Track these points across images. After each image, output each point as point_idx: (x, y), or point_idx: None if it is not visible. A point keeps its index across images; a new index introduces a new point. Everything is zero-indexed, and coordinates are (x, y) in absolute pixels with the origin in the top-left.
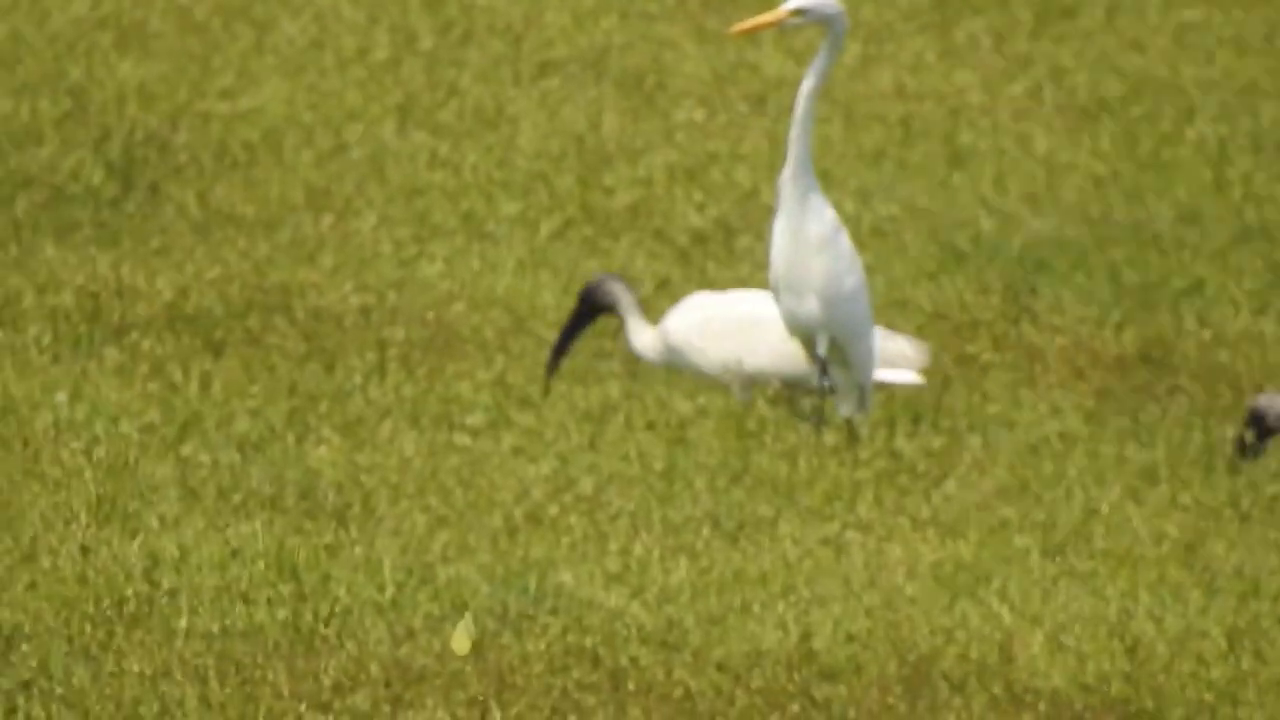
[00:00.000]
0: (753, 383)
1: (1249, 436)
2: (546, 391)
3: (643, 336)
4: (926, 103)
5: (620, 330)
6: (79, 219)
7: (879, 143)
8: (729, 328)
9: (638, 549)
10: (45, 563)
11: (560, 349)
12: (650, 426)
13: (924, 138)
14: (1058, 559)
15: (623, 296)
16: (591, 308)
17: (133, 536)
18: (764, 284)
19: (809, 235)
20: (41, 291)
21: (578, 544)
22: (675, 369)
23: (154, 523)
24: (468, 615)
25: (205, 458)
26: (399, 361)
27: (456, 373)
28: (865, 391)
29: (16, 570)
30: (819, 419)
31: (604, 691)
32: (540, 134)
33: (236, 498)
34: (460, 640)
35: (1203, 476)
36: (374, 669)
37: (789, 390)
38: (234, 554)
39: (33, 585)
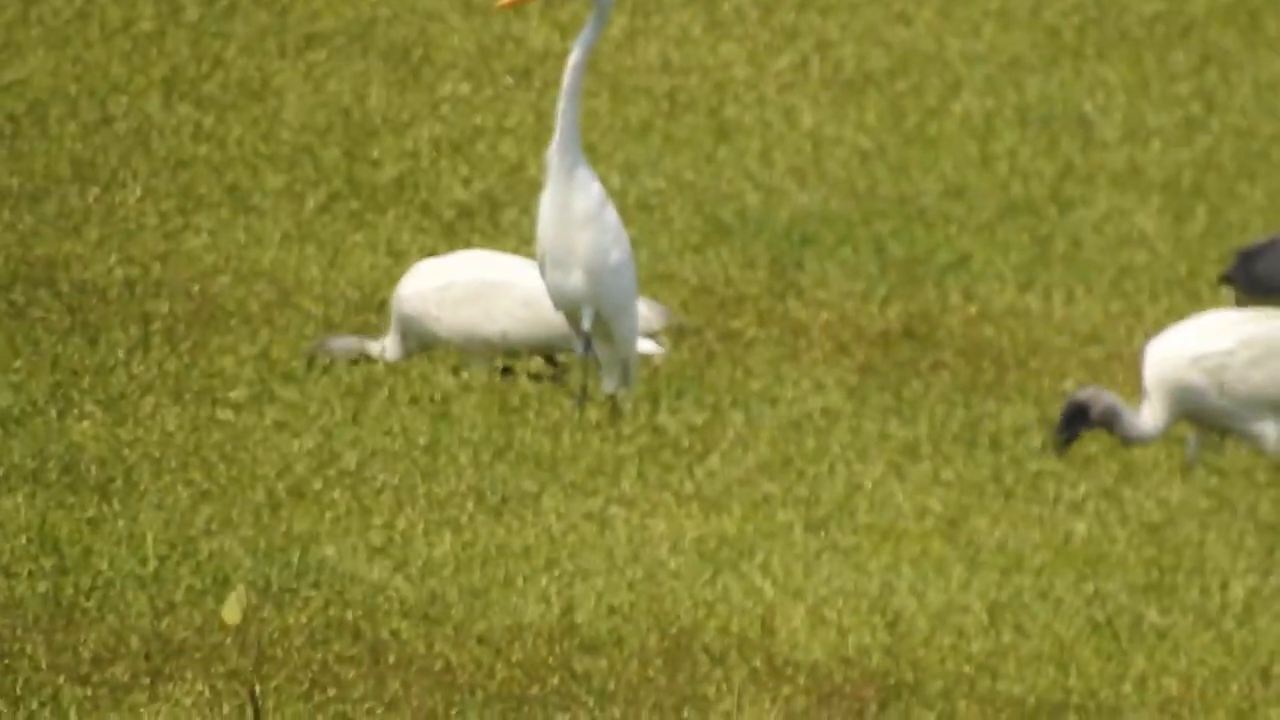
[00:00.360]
0: (493, 349)
1: (1062, 428)
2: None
3: (389, 347)
4: (692, 76)
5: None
6: None
7: (645, 116)
8: (467, 293)
9: (401, 523)
10: None
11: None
12: (414, 401)
13: (690, 111)
14: (820, 534)
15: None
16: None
17: None
18: (531, 257)
19: (575, 209)
20: None
21: (341, 518)
22: (419, 348)
23: None
24: (240, 586)
25: None
26: (163, 335)
27: (220, 346)
28: (629, 366)
29: None
30: (583, 394)
31: (364, 664)
32: (306, 107)
33: None
34: (231, 610)
35: (965, 452)
36: (134, 641)
37: (536, 357)
38: None
39: None
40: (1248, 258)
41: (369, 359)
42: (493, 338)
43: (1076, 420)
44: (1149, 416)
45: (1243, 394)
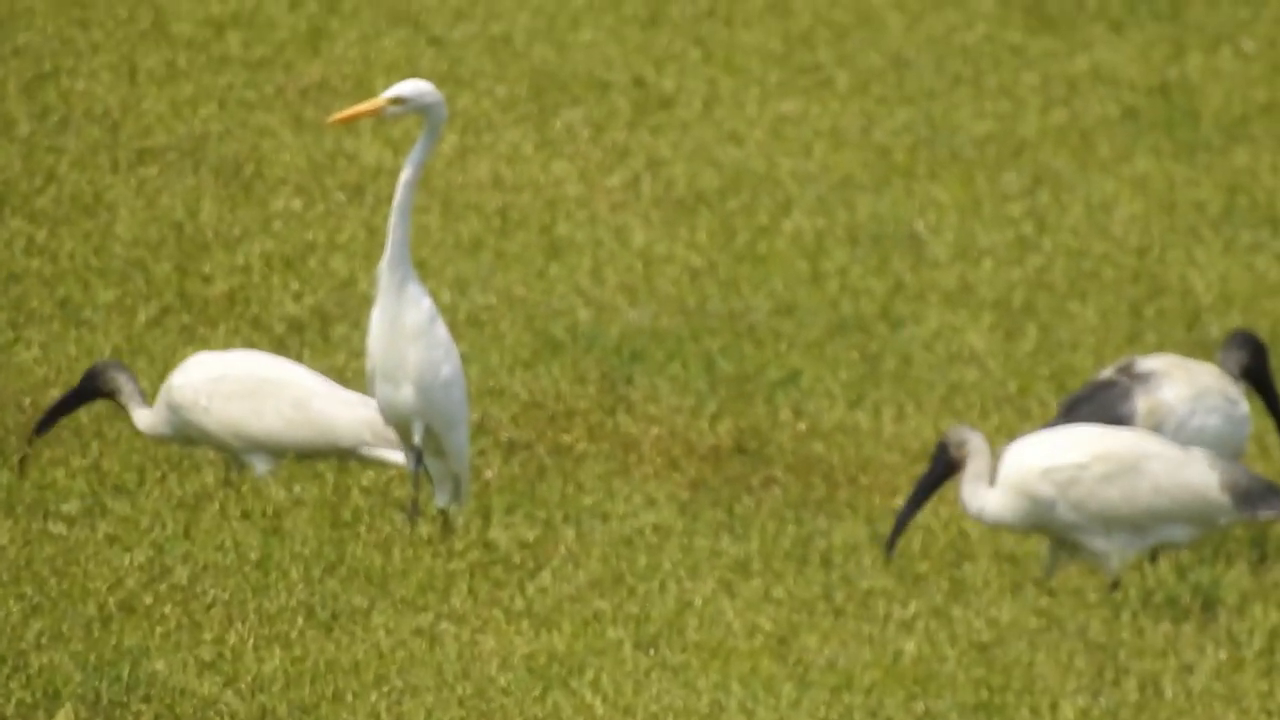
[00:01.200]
0: (261, 449)
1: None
2: (23, 462)
3: (146, 417)
4: (524, 193)
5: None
6: None
7: (476, 233)
8: (239, 389)
9: (231, 638)
10: None
11: (49, 421)
12: (246, 515)
13: (521, 228)
14: (650, 651)
15: (124, 385)
16: (92, 391)
17: None
18: (361, 372)
19: (405, 324)
20: None
21: (171, 632)
22: (181, 437)
23: None
24: (68, 704)
25: None
26: None
27: (52, 459)
28: (462, 481)
29: None
30: (414, 509)
31: None
32: (138, 221)
33: None
34: None
35: (796, 569)
36: None
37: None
38: None
39: None
40: (1070, 406)
41: (122, 407)
42: (259, 436)
43: (938, 455)
44: (992, 500)
45: (1092, 509)
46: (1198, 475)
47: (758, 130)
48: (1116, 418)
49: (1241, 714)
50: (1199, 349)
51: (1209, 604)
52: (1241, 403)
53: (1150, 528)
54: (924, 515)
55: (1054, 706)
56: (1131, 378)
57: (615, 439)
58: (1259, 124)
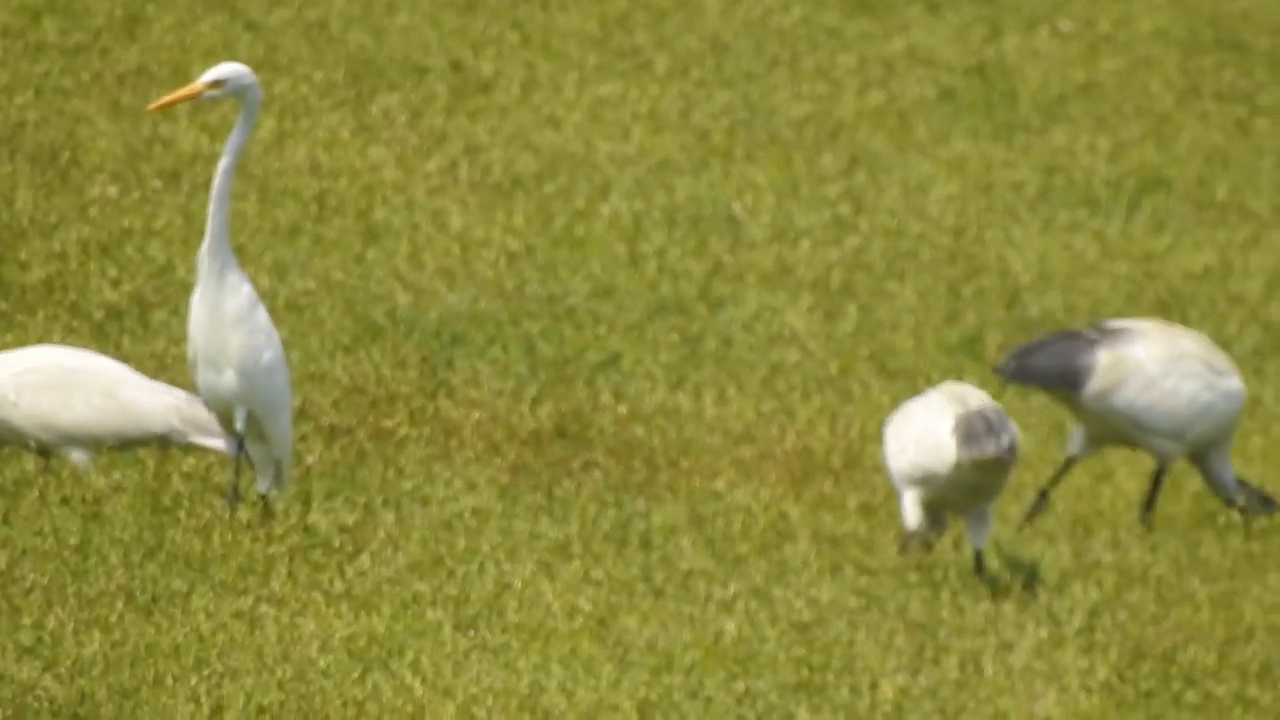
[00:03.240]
0: (73, 441)
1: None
2: None
3: None
4: (341, 179)
5: None
6: None
7: (294, 218)
8: (46, 380)
9: (50, 622)
10: None
11: None
12: (65, 501)
13: (339, 213)
14: (470, 633)
15: None
16: None
17: None
18: (181, 358)
19: (226, 310)
20: None
21: None
22: None
23: None
24: None
25: None
26: None
27: None
28: (283, 466)
29: None
30: (235, 494)
31: None
32: None
33: None
34: None
35: (616, 551)
36: None
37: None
38: None
39: None
40: (1025, 353)
41: None
42: (70, 427)
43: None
44: None
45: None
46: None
47: (575, 114)
48: (1073, 368)
49: (1061, 691)
50: (1017, 329)
51: (1029, 582)
52: (1230, 376)
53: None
54: (744, 497)
55: (874, 685)
56: (1101, 332)
57: (436, 423)
58: (1076, 104)
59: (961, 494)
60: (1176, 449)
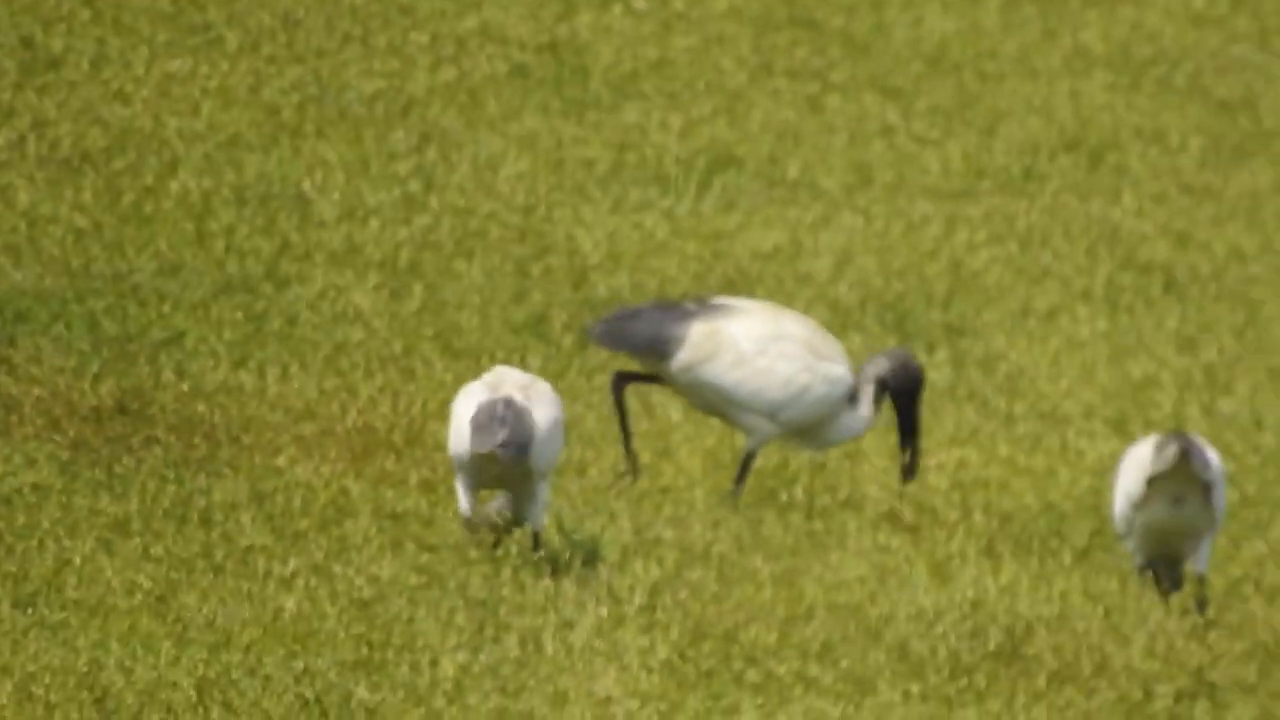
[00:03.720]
0: None
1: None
2: None
3: None
4: None
5: None
6: None
7: None
8: None
9: None
10: None
11: None
12: None
13: None
14: (28, 610)
15: None
16: None
17: None
18: None
19: None
20: None
21: None
22: None
23: None
24: None
25: None
26: None
27: None
28: None
29: None
30: None
31: None
32: None
33: None
34: None
35: (176, 528)
36: None
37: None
38: None
39: None
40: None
41: None
42: None
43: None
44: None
45: None
46: None
47: (144, 89)
48: (664, 337)
49: (622, 670)
50: (586, 307)
51: (590, 559)
52: (834, 362)
53: None
54: (305, 474)
55: (434, 663)
56: (701, 304)
57: None
58: (648, 81)
59: (497, 481)
60: (769, 428)
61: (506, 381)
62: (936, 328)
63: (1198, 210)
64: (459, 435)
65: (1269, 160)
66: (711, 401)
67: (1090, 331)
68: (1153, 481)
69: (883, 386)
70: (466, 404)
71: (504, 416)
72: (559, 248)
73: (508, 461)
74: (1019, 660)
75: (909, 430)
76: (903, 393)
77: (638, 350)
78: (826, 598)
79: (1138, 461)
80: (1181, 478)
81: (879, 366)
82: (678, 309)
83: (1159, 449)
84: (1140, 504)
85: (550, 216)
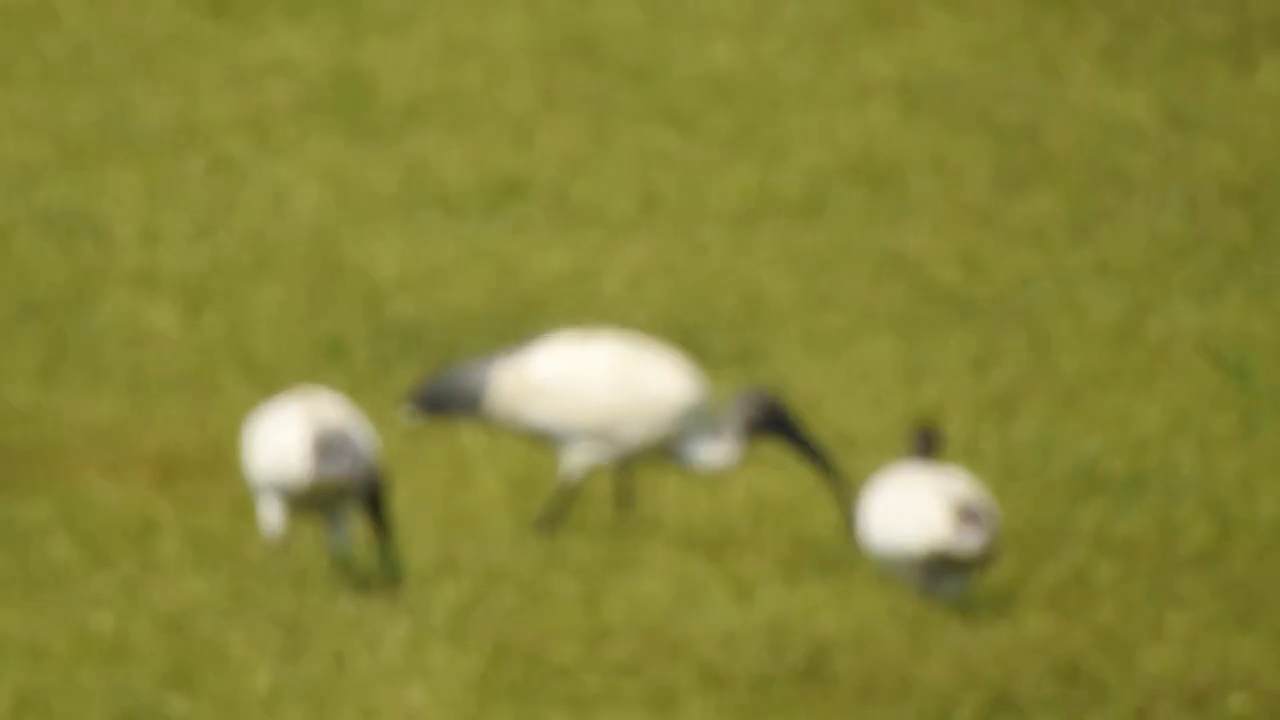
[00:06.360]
0: None
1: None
2: None
3: None
4: None
5: None
6: None
7: None
8: None
9: None
10: None
11: None
12: None
13: None
14: None
15: None
16: None
17: None
18: None
19: None
20: None
21: None
22: None
23: None
24: None
25: None
26: None
27: None
28: None
29: None
30: None
31: None
32: None
33: None
34: None
35: None
36: None
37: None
38: None
39: None
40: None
41: None
42: None
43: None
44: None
45: None
46: None
47: None
48: (475, 393)
49: (429, 686)
50: (380, 335)
51: (396, 579)
52: (658, 382)
53: None
54: (112, 493)
55: (247, 677)
56: (509, 351)
57: None
58: (434, 108)
59: (314, 506)
60: (603, 452)
61: (323, 407)
62: (727, 352)
63: (984, 235)
64: (280, 460)
65: (1052, 185)
66: (543, 437)
67: (880, 356)
68: (941, 555)
69: (751, 425)
70: (285, 429)
71: (342, 445)
72: (352, 272)
73: (350, 489)
74: (821, 677)
75: (813, 460)
76: (772, 425)
77: (459, 412)
78: (630, 617)
79: (920, 522)
80: (970, 558)
81: (739, 407)
82: (484, 362)
83: (959, 528)
84: (913, 565)
85: (342, 241)
